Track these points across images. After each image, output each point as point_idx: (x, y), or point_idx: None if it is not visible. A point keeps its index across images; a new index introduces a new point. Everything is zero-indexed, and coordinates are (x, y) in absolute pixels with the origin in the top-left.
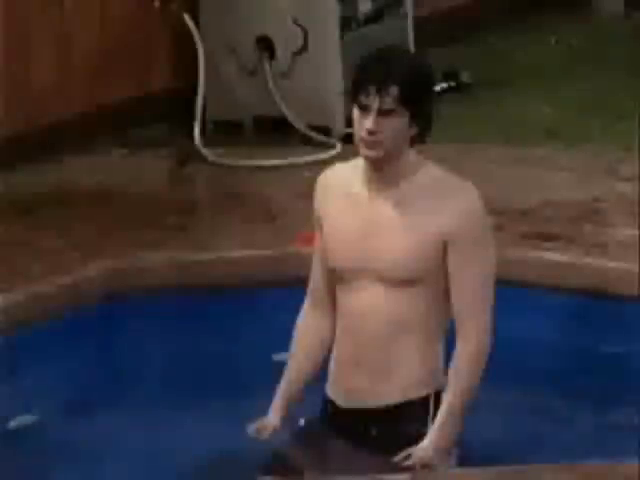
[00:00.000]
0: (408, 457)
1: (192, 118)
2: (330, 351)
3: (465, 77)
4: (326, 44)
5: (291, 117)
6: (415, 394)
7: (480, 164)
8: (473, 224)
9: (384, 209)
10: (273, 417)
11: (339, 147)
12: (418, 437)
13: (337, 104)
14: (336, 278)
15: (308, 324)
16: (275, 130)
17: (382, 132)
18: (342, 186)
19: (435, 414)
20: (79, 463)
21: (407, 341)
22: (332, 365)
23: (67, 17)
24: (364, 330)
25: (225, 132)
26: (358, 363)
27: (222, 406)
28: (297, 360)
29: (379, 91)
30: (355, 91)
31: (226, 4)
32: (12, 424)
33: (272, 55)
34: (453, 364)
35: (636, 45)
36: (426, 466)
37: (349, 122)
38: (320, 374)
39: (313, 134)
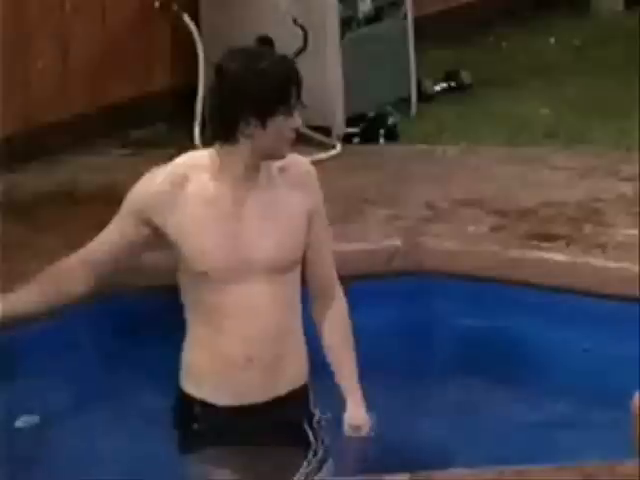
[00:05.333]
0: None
1: (192, 118)
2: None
3: (465, 77)
4: (326, 44)
5: None
6: (299, 383)
7: (480, 164)
8: (320, 193)
9: (254, 202)
10: None
11: (339, 147)
12: (301, 422)
13: (337, 104)
14: (207, 280)
15: (70, 267)
16: None
17: None
18: (196, 191)
19: (313, 396)
20: (81, 464)
21: (294, 327)
22: (204, 365)
23: (67, 17)
24: (255, 326)
25: None
26: (250, 360)
27: None
28: (38, 283)
29: (298, 88)
30: (280, 101)
31: (226, 4)
32: (13, 424)
33: None
34: (337, 328)
35: (636, 45)
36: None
37: (349, 122)
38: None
39: (313, 134)
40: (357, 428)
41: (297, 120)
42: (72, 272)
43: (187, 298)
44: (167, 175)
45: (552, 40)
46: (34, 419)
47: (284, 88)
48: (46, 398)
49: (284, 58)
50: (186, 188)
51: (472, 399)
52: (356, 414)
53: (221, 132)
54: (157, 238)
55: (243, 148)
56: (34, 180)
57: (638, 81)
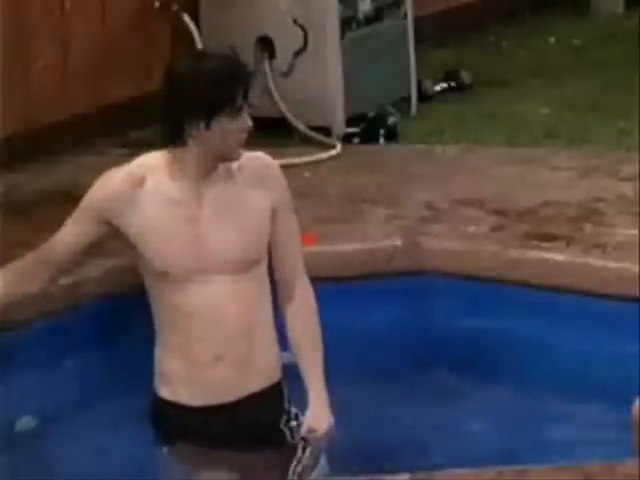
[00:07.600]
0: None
1: None
2: None
3: (465, 77)
4: (326, 44)
5: (291, 117)
6: (272, 379)
7: (480, 164)
8: (286, 189)
9: (213, 202)
10: None
11: (339, 147)
12: (278, 421)
13: (337, 104)
14: (169, 281)
15: (30, 264)
16: (275, 130)
17: None
18: (154, 192)
19: (287, 392)
20: (80, 464)
21: (262, 323)
22: (175, 367)
23: (67, 17)
24: (222, 325)
25: None
26: (220, 358)
27: None
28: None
29: (246, 88)
30: (223, 101)
31: (226, 4)
32: (12, 425)
33: (272, 55)
34: (301, 322)
35: (636, 45)
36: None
37: (349, 122)
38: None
39: (313, 134)
40: (312, 429)
41: (246, 121)
42: (32, 270)
43: (152, 300)
44: (125, 176)
45: (552, 40)
46: (31, 421)
47: (228, 88)
48: (43, 399)
49: (232, 59)
50: (144, 189)
51: (471, 399)
52: (314, 413)
53: (169, 134)
54: (116, 236)
55: (192, 150)
56: (34, 180)
57: (638, 81)
